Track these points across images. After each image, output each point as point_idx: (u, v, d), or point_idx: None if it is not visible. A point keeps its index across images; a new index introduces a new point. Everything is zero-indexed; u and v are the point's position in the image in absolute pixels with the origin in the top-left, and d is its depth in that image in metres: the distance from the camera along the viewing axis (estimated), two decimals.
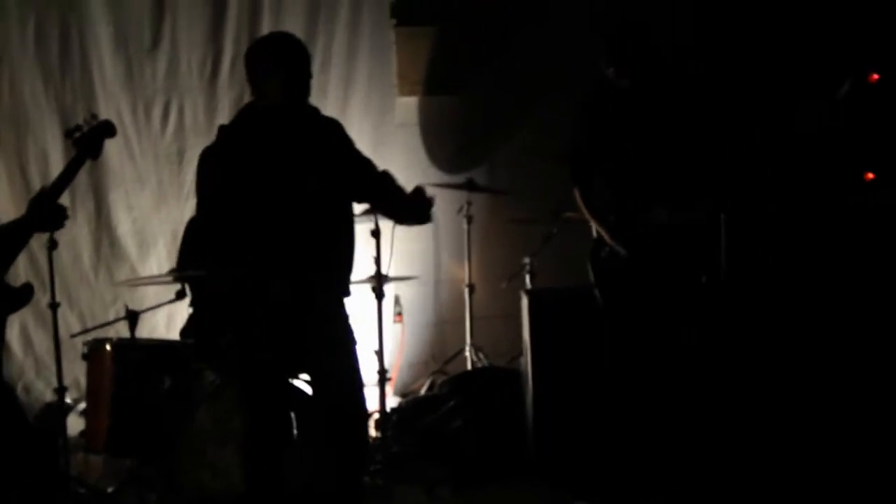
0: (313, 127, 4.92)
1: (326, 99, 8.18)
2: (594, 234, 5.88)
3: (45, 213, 4.75)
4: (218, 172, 4.79)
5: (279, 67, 4.82)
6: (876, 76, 6.52)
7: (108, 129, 5.01)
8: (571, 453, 6.33)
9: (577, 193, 5.88)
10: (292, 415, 5.83)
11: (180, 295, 6.16)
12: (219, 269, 6.24)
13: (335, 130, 4.99)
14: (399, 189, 5.12)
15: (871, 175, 6.46)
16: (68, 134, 4.97)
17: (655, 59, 5.80)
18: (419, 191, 5.18)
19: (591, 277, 5.93)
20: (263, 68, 4.86)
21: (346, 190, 4.94)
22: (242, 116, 4.96)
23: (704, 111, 5.95)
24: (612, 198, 5.77)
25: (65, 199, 7.06)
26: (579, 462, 6.25)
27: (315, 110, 4.97)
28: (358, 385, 5.09)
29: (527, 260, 7.54)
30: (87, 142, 4.93)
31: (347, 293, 5.10)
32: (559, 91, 7.18)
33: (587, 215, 5.87)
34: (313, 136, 4.89)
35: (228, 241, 4.75)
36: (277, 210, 4.69)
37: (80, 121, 5.20)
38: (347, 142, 5.02)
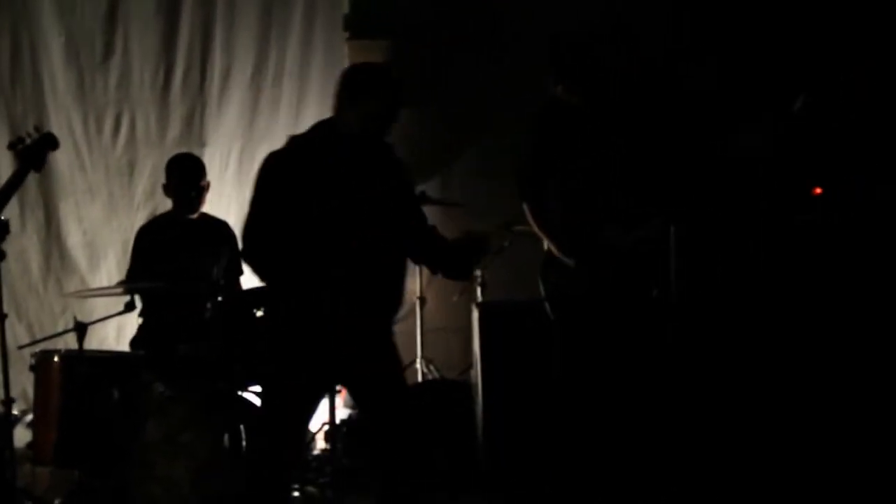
0: (388, 159, 4.88)
1: (279, 112, 8.22)
2: (545, 247, 5.90)
3: None
4: (286, 179, 4.71)
5: (376, 101, 4.75)
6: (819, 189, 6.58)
7: (50, 142, 5.01)
8: (522, 465, 6.35)
9: (526, 208, 5.90)
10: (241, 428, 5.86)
11: (129, 306, 6.13)
12: (177, 281, 6.28)
13: (406, 169, 5.01)
14: (444, 241, 5.08)
15: (819, 190, 6.50)
16: (11, 146, 4.96)
17: (604, 75, 5.83)
18: (468, 241, 5.09)
19: (542, 291, 5.95)
20: (360, 95, 4.78)
21: (405, 227, 4.90)
22: (320, 132, 4.89)
23: (655, 125, 5.99)
24: (562, 214, 5.79)
25: (14, 210, 7.15)
26: (530, 474, 6.26)
27: (390, 146, 4.93)
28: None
29: (478, 272, 7.55)
30: (30, 154, 4.91)
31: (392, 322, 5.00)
32: (513, 105, 7.20)
33: (537, 230, 5.89)
34: (387, 167, 4.85)
35: (282, 246, 4.67)
36: (344, 227, 4.63)
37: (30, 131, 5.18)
38: (413, 184, 5.09)
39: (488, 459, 6.57)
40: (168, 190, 6.79)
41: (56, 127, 7.41)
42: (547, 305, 5.95)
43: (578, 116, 5.79)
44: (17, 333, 7.40)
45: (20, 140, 4.97)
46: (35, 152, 4.95)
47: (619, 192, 5.76)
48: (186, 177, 6.74)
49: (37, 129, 5.10)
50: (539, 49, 6.70)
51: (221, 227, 6.97)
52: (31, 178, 7.30)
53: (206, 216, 6.89)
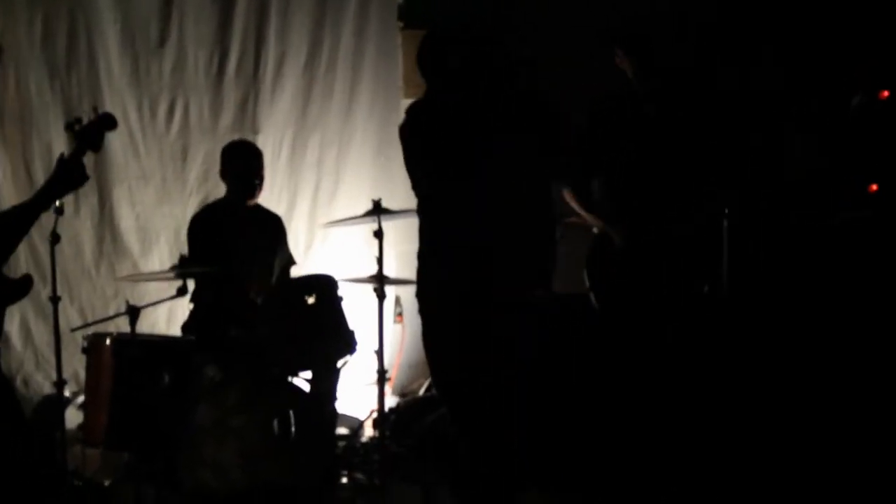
0: None
1: (332, 100, 8.22)
2: (594, 234, 5.89)
3: (66, 173, 4.70)
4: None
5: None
6: (886, 93, 6.51)
7: (108, 122, 4.98)
8: (569, 459, 6.32)
9: (569, 193, 5.90)
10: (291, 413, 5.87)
11: (181, 291, 6.14)
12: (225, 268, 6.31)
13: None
14: None
15: (875, 187, 6.45)
16: (69, 126, 4.94)
17: (668, 64, 5.81)
18: None
19: (587, 282, 5.93)
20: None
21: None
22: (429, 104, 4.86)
23: (711, 116, 5.95)
24: (608, 201, 5.79)
25: (69, 195, 7.16)
26: (577, 467, 6.23)
27: None
28: None
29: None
30: (88, 134, 4.89)
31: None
32: (570, 93, 7.17)
33: (582, 211, 5.89)
34: None
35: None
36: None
37: (85, 117, 5.18)
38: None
39: (534, 452, 6.54)
40: (227, 176, 6.80)
41: (111, 111, 7.39)
42: (592, 296, 5.94)
43: (639, 103, 5.77)
44: (69, 316, 7.46)
45: (78, 120, 4.95)
46: (93, 132, 4.92)
47: (670, 180, 5.73)
48: (250, 163, 6.78)
49: (94, 109, 5.09)
50: (592, 39, 6.73)
51: (275, 220, 7.03)
52: (86, 163, 7.42)
53: (259, 207, 6.94)
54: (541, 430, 6.20)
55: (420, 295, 4.84)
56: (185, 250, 6.71)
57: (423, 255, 4.83)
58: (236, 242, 6.67)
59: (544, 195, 4.85)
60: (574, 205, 5.94)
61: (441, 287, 4.69)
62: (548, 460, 6.07)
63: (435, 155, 4.61)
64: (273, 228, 7.00)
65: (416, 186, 4.80)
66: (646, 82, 5.82)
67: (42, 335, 7.53)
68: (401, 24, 8.31)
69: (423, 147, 4.67)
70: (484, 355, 4.62)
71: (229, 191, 6.83)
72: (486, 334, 4.62)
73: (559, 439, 6.26)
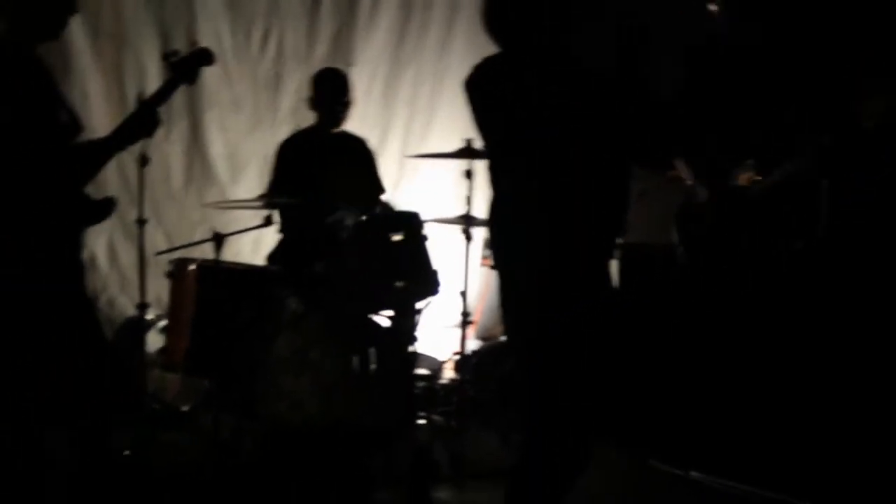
0: None
1: (428, 35, 8.38)
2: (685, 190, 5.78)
3: (138, 120, 4.68)
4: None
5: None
6: None
7: (206, 57, 4.92)
8: (645, 413, 6.24)
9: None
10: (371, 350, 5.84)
11: (267, 221, 6.11)
12: (313, 199, 6.26)
13: None
14: None
15: None
16: (165, 57, 4.89)
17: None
18: None
19: (676, 236, 5.82)
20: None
21: None
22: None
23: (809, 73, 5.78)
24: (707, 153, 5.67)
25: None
26: (654, 422, 6.16)
27: None
28: None
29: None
30: (184, 67, 4.84)
31: None
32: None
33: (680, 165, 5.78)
34: None
35: None
36: None
37: (179, 40, 5.14)
38: None
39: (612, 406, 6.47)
40: (314, 103, 6.78)
41: (205, 37, 7.43)
42: (680, 250, 5.83)
43: (733, 52, 5.63)
44: (155, 240, 7.43)
45: (175, 52, 4.91)
46: (189, 65, 4.87)
47: (762, 134, 5.60)
48: (336, 89, 6.74)
49: (192, 42, 5.06)
50: None
51: (361, 144, 6.97)
52: (179, 90, 7.42)
53: (346, 133, 6.89)
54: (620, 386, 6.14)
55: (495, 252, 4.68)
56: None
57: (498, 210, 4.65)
58: (320, 168, 6.65)
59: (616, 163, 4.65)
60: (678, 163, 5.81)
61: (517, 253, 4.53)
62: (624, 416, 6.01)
63: (501, 120, 4.44)
64: (359, 153, 6.96)
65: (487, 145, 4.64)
66: (737, 28, 5.66)
67: (128, 257, 7.49)
68: None
69: (492, 107, 4.49)
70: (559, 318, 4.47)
71: (317, 118, 6.81)
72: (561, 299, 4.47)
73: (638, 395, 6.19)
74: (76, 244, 4.56)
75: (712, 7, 5.77)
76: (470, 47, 8.07)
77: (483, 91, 4.36)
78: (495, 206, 4.41)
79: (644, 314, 6.35)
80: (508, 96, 4.31)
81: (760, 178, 5.67)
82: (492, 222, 4.45)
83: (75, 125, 4.56)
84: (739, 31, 5.65)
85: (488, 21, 4.45)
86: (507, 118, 4.34)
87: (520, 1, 4.47)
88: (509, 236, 4.46)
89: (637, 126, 4.45)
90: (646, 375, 6.27)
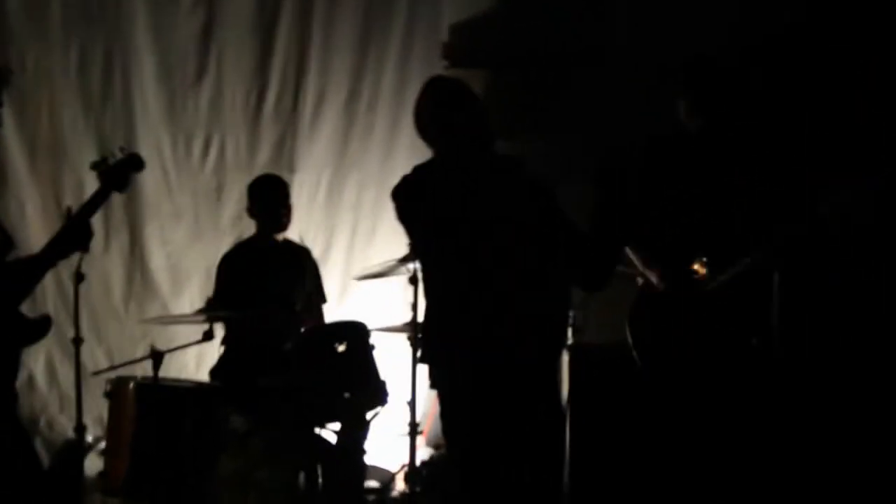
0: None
1: (372, 139, 8.06)
2: (638, 285, 5.66)
3: (69, 234, 4.54)
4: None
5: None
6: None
7: (135, 163, 4.82)
8: None
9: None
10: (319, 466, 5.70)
11: (207, 335, 5.98)
12: (257, 310, 6.14)
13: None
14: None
15: None
16: (95, 166, 4.79)
17: (731, 102, 5.54)
18: None
19: (629, 337, 5.70)
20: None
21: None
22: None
23: (769, 163, 5.68)
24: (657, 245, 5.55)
25: (98, 231, 6.97)
26: None
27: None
28: None
29: (571, 313, 7.27)
30: (113, 175, 4.72)
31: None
32: (613, 138, 6.96)
33: (633, 257, 5.66)
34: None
35: None
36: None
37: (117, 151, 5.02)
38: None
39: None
40: (253, 211, 6.67)
41: (145, 147, 7.33)
42: (634, 352, 5.70)
43: (692, 144, 5.53)
44: (96, 357, 7.31)
45: (104, 160, 4.80)
46: (118, 173, 4.76)
47: (716, 228, 5.48)
48: (275, 195, 6.64)
49: (122, 149, 4.92)
50: (640, 78, 6.51)
51: (304, 253, 6.85)
52: (117, 200, 7.32)
53: (289, 241, 6.78)
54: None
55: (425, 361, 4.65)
56: None
57: (429, 323, 4.64)
58: (263, 278, 6.52)
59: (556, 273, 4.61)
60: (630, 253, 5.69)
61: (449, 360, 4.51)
62: None
63: (437, 225, 4.44)
64: (301, 262, 6.82)
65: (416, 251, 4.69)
66: (701, 120, 5.55)
67: (67, 376, 7.26)
68: (445, 63, 8.10)
69: (424, 215, 4.50)
70: (500, 425, 4.43)
71: (258, 227, 6.69)
72: (500, 404, 4.42)
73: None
74: (12, 368, 4.41)
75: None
76: (415, 150, 7.97)
77: (399, 201, 4.53)
78: None
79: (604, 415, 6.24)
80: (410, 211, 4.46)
81: (713, 271, 5.55)
82: None
83: (6, 242, 4.43)
84: (696, 120, 5.55)
85: (415, 120, 4.54)
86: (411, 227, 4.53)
87: (428, 108, 4.53)
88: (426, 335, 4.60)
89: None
90: (610, 475, 6.14)
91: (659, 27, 7.28)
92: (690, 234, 5.50)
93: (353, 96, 8.09)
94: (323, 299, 6.84)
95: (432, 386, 4.61)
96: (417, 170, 4.67)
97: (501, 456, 4.42)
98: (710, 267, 5.50)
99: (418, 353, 6.00)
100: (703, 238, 5.48)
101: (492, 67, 8.00)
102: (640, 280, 5.81)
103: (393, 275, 6.30)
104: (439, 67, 8.03)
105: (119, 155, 4.87)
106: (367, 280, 6.91)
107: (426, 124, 4.67)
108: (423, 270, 4.66)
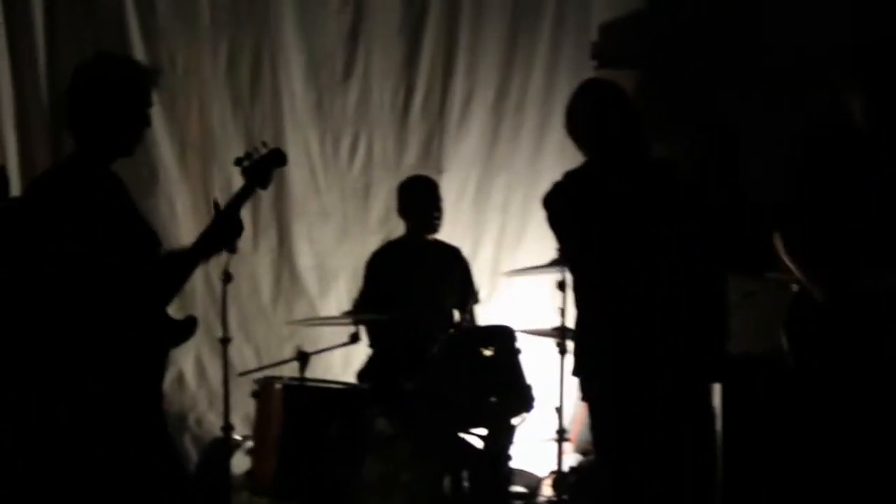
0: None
1: (520, 140, 7.98)
2: (794, 290, 5.47)
3: (216, 230, 4.51)
4: None
5: None
6: None
7: (278, 159, 4.76)
8: None
9: (779, 238, 5.43)
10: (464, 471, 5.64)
11: (353, 338, 5.98)
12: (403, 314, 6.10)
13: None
14: None
15: None
16: (238, 162, 4.75)
17: None
18: None
19: (785, 342, 5.52)
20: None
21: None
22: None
23: None
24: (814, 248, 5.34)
25: (247, 230, 7.01)
26: None
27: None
28: None
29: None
30: (255, 171, 4.69)
31: None
32: (761, 149, 6.78)
33: (789, 261, 5.45)
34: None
35: None
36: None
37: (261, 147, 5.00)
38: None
39: None
40: (404, 212, 6.67)
41: (293, 147, 7.37)
42: (791, 359, 5.52)
43: (861, 142, 5.26)
44: (244, 356, 7.37)
45: (247, 156, 4.76)
46: (261, 169, 4.72)
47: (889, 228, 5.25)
48: (428, 197, 6.64)
49: (265, 144, 4.89)
50: (794, 73, 6.33)
51: (454, 253, 6.79)
52: (266, 199, 7.38)
53: (438, 242, 6.75)
54: None
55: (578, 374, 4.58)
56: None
57: (581, 334, 4.57)
58: (413, 280, 6.49)
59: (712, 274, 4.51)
60: (784, 254, 5.48)
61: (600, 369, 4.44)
62: None
63: (590, 235, 4.37)
64: (453, 262, 6.80)
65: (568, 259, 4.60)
66: (878, 113, 5.22)
67: (216, 375, 7.28)
68: (594, 64, 7.99)
69: (576, 223, 4.41)
70: (652, 436, 4.34)
71: (408, 227, 6.67)
72: (652, 415, 4.34)
73: None
74: (159, 369, 4.42)
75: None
76: (564, 151, 7.88)
77: (550, 209, 4.51)
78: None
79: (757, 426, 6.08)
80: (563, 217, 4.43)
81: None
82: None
83: (154, 241, 4.42)
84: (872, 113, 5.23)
85: (567, 124, 4.46)
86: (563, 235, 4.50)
87: (581, 111, 4.44)
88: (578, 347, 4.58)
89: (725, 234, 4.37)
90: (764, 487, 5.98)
91: (812, 19, 7.09)
92: (860, 242, 5.28)
93: (500, 96, 8.03)
94: (475, 300, 6.79)
95: (584, 398, 4.54)
96: (569, 176, 4.59)
97: (653, 467, 4.34)
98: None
99: (568, 362, 5.91)
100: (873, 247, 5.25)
101: (640, 68, 7.87)
102: (794, 286, 5.64)
103: (541, 275, 6.21)
104: (588, 68, 7.93)
105: (262, 150, 4.84)
106: (515, 280, 6.86)
107: (579, 127, 4.58)
108: (574, 279, 4.58)
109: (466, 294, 6.77)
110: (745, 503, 5.98)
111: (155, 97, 4.44)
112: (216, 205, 4.59)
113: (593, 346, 4.46)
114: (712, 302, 4.51)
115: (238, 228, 4.51)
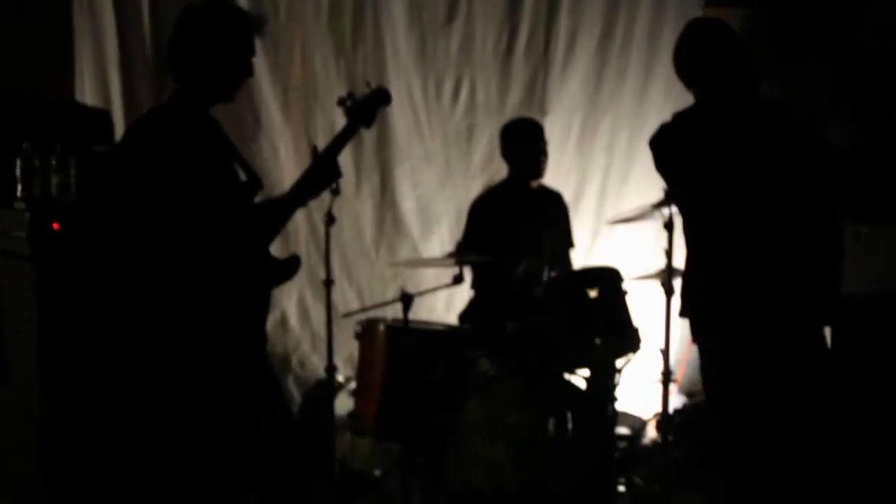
0: None
1: (625, 82, 7.88)
2: None
3: (316, 172, 4.50)
4: None
5: None
6: None
7: (382, 97, 4.74)
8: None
9: None
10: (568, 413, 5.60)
11: (457, 279, 5.95)
12: (507, 256, 6.06)
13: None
14: None
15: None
16: (341, 102, 4.73)
17: None
18: None
19: None
20: None
21: None
22: None
23: None
24: None
25: (349, 174, 7.13)
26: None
27: None
28: None
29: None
30: (359, 109, 4.66)
31: None
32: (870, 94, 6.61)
33: None
34: None
35: None
36: None
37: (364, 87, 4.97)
38: None
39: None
40: (508, 156, 6.59)
41: (395, 90, 7.25)
42: None
43: None
44: (347, 299, 7.40)
45: (350, 96, 4.74)
46: (365, 108, 4.69)
47: None
48: (532, 141, 6.54)
49: (368, 83, 4.86)
50: None
51: (556, 198, 6.74)
52: (369, 143, 7.40)
53: (542, 186, 6.69)
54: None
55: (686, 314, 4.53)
56: None
57: (690, 275, 4.51)
58: (516, 226, 6.44)
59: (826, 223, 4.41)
60: None
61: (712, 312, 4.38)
62: None
63: (700, 177, 4.33)
64: (555, 208, 6.75)
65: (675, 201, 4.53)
66: None
67: (319, 316, 7.32)
68: (702, 2, 7.84)
69: (685, 166, 4.36)
70: (763, 378, 4.28)
71: (511, 171, 6.62)
72: (764, 357, 4.26)
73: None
74: (262, 309, 4.43)
75: None
76: (669, 93, 7.78)
77: (658, 151, 4.46)
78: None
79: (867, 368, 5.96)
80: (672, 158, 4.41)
81: None
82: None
83: (255, 183, 4.43)
84: None
85: (674, 65, 4.39)
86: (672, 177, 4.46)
87: (688, 51, 4.37)
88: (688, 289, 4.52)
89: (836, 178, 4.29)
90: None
91: None
92: None
93: (605, 38, 7.92)
94: (571, 245, 6.74)
95: (694, 340, 4.49)
96: (677, 117, 4.52)
97: (764, 409, 4.28)
98: None
99: (674, 303, 5.84)
100: None
101: (749, 6, 7.71)
102: None
103: (646, 220, 6.12)
104: (695, 7, 7.79)
105: (366, 90, 4.81)
106: (620, 225, 6.78)
107: (686, 68, 4.50)
108: (684, 221, 4.52)
109: (566, 239, 6.73)
110: (857, 445, 5.88)
111: (258, 45, 4.43)
112: (314, 149, 4.59)
113: (704, 287, 4.40)
114: (827, 244, 4.41)
115: (335, 172, 4.50)
